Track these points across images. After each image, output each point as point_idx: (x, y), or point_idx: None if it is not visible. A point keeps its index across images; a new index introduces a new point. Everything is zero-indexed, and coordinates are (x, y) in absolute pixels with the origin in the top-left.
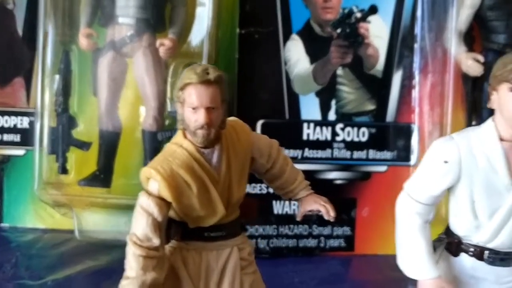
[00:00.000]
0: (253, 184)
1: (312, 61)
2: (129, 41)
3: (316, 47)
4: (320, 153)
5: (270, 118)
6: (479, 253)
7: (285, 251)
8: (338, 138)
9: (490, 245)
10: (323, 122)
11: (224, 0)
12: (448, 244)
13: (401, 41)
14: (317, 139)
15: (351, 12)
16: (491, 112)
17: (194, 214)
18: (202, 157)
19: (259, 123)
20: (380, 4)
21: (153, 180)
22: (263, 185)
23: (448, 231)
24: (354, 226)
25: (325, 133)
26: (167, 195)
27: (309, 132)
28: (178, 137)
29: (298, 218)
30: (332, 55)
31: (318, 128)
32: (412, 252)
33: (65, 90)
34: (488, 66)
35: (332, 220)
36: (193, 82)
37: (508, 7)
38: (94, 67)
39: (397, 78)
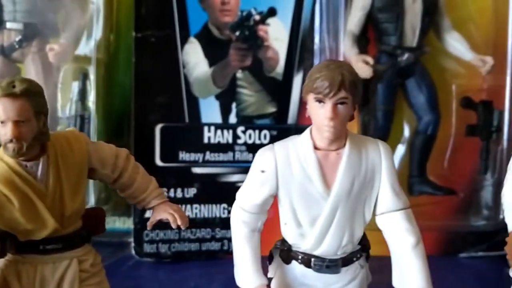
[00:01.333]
0: None
1: (211, 64)
2: (18, 46)
3: (214, 50)
4: (221, 156)
5: (169, 122)
6: (306, 260)
7: (188, 255)
8: (240, 141)
9: (315, 253)
10: (224, 125)
11: (118, 4)
12: (280, 251)
13: (301, 43)
14: (219, 142)
15: (249, 15)
16: (386, 113)
17: (21, 227)
18: (24, 170)
19: (158, 127)
20: (279, 6)
21: None
22: (164, 189)
23: (282, 239)
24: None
25: (226, 136)
26: None
27: (210, 135)
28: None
29: (149, 228)
30: (231, 58)
31: (219, 131)
32: (238, 261)
33: None
34: (381, 68)
35: (183, 227)
36: None
37: (396, 9)
38: None
39: (297, 81)
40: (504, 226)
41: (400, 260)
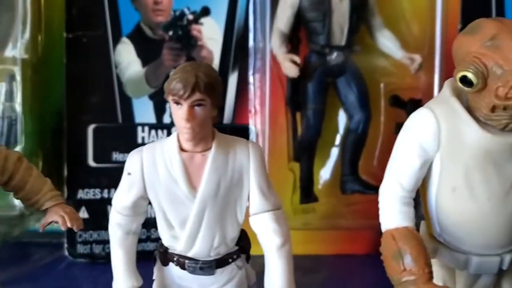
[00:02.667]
0: (86, 190)
1: (144, 64)
2: None
3: (147, 50)
4: None
5: (102, 122)
6: (181, 262)
7: None
8: None
9: (189, 254)
10: (158, 125)
11: (49, 5)
12: (159, 253)
13: (235, 42)
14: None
15: (182, 14)
16: (317, 112)
17: None
18: None
19: (91, 128)
20: (212, 5)
21: None
22: (97, 190)
23: (160, 241)
24: None
25: (160, 136)
26: None
27: (144, 136)
28: None
29: (41, 230)
30: (164, 57)
31: (153, 131)
32: (112, 263)
33: None
34: (311, 67)
35: (76, 230)
36: None
37: (323, 8)
38: None
39: (233, 80)
40: None
41: (267, 260)
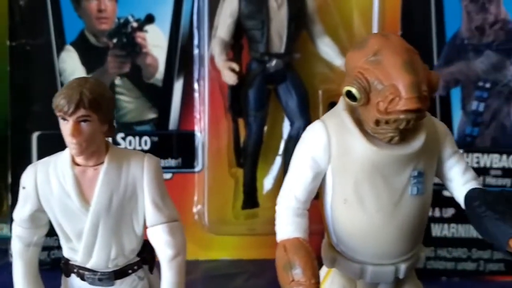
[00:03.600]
0: None
1: (89, 71)
2: None
3: (92, 58)
4: None
5: (46, 130)
6: (81, 273)
7: None
8: (120, 147)
9: (87, 265)
10: None
11: None
12: (62, 265)
13: (180, 49)
14: None
15: (127, 22)
16: (258, 119)
17: None
18: None
19: (35, 135)
20: (156, 13)
21: None
22: None
23: None
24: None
25: None
26: None
27: None
28: None
29: None
30: (109, 65)
31: None
32: (13, 275)
33: None
34: (252, 74)
35: None
36: None
37: (261, 16)
38: None
39: (178, 86)
40: None
41: (161, 272)
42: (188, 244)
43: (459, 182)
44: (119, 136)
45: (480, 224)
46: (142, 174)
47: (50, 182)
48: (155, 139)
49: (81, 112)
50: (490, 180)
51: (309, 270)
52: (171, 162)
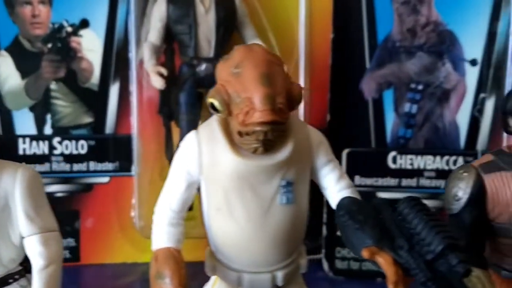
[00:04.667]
0: None
1: (24, 76)
2: None
3: (27, 63)
4: (38, 167)
5: None
6: None
7: None
8: (56, 152)
9: None
10: (39, 136)
11: None
12: None
13: (116, 53)
14: (34, 154)
15: (61, 27)
16: (190, 123)
17: None
18: None
19: None
20: (91, 18)
21: None
22: None
23: None
24: (78, 237)
25: (42, 147)
26: None
27: (25, 147)
28: None
29: None
30: (44, 70)
31: (34, 143)
32: None
33: None
34: (183, 78)
35: None
36: None
37: (188, 21)
38: None
39: (114, 90)
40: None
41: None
42: (127, 248)
43: (333, 190)
44: (56, 140)
45: (342, 232)
46: (14, 185)
47: None
48: (92, 143)
49: None
50: (424, 182)
51: (176, 279)
52: (109, 165)
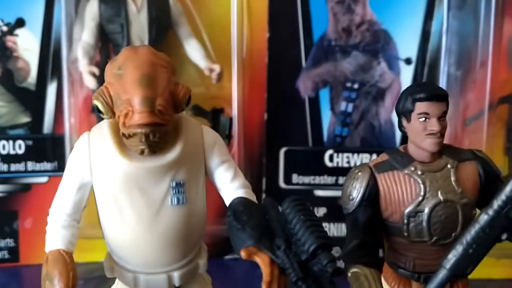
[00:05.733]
0: None
1: None
2: None
3: None
4: None
5: None
6: None
7: None
8: None
9: None
10: None
11: None
12: None
13: (52, 53)
14: None
15: None
16: None
17: None
18: None
19: None
20: (27, 17)
21: None
22: None
23: None
24: (17, 237)
25: None
26: None
27: None
28: None
29: None
30: None
31: None
32: None
33: None
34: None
35: None
36: None
37: (120, 20)
38: None
39: (52, 90)
40: None
41: None
42: None
43: (227, 190)
44: None
45: (228, 232)
46: None
47: None
48: (30, 143)
49: None
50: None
51: (63, 282)
52: (47, 165)
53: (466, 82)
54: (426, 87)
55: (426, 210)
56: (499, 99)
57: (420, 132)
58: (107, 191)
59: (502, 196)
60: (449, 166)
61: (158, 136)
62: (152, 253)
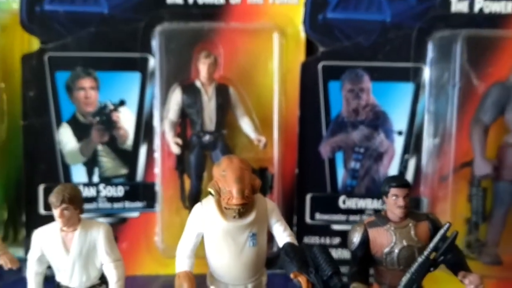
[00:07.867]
0: None
1: (79, 140)
2: None
3: (81, 131)
4: (87, 205)
5: (51, 182)
6: None
7: None
8: (102, 194)
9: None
10: (89, 183)
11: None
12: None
13: (144, 125)
14: (86, 197)
15: (105, 105)
16: (198, 177)
17: None
18: None
19: (41, 187)
20: (127, 99)
21: None
22: None
23: None
24: None
25: (91, 191)
26: None
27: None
28: None
29: None
30: (93, 136)
31: (86, 188)
32: None
33: None
34: (192, 144)
35: (14, 268)
36: None
37: (196, 106)
38: None
39: (143, 151)
40: None
41: None
42: (151, 263)
43: (281, 237)
44: (101, 186)
45: (281, 262)
46: (98, 235)
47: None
48: (127, 188)
49: (64, 205)
50: (365, 218)
51: None
52: (139, 204)
53: (442, 148)
54: (397, 178)
55: (396, 250)
56: (461, 164)
57: (393, 205)
58: (213, 238)
59: (430, 246)
60: (410, 224)
61: (244, 208)
62: (237, 273)
